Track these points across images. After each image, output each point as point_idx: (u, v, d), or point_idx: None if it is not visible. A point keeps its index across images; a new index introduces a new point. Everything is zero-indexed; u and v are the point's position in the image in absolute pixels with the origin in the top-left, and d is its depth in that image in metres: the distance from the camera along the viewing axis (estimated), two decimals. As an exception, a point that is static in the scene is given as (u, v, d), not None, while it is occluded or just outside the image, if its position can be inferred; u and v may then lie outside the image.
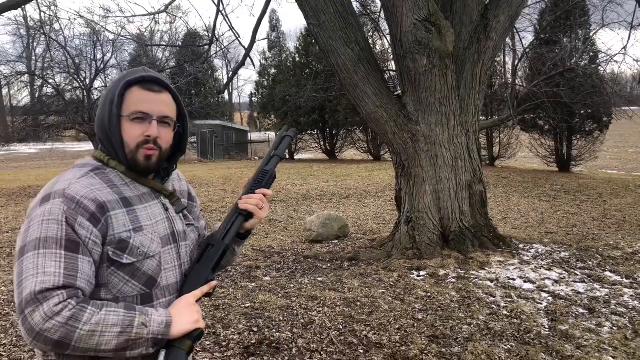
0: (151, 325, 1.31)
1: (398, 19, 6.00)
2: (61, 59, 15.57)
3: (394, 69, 8.34)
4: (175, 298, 1.47)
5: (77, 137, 19.35)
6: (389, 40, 7.56)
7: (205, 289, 1.49)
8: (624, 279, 5.49)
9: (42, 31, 12.90)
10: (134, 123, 1.42)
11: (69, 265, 1.27)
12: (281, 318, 4.43)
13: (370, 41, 17.96)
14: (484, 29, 6.42)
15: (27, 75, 18.42)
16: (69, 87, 17.08)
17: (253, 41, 9.37)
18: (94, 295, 1.35)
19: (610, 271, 5.77)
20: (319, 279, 5.57)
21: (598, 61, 17.26)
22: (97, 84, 17.32)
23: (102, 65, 16.58)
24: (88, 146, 37.46)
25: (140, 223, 1.42)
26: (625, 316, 4.47)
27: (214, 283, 1.53)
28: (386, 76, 12.20)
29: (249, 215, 1.62)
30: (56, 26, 14.36)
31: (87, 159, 1.49)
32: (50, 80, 16.41)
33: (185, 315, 1.40)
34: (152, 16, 10.30)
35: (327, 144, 27.94)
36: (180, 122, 1.55)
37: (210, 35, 9.93)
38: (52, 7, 11.49)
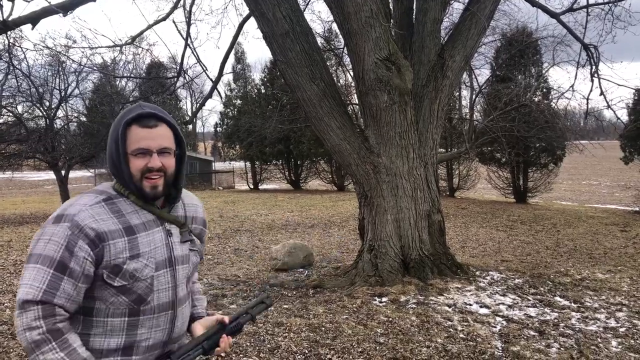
0: None
1: (360, 57, 6.34)
2: (24, 88, 15.42)
3: (357, 102, 8.69)
4: (169, 315, 1.70)
5: (35, 166, 18.98)
6: (352, 75, 7.92)
7: None
8: (572, 304, 5.83)
9: (6, 59, 12.81)
10: (137, 157, 1.62)
11: (52, 283, 1.51)
12: (248, 343, 4.57)
13: (334, 75, 18.44)
14: (441, 68, 6.83)
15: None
16: (31, 116, 16.90)
17: (220, 74, 9.63)
18: (91, 305, 1.60)
19: (560, 296, 6.12)
20: (285, 306, 5.72)
21: (550, 97, 18.14)
22: (60, 113, 17.20)
23: (65, 94, 16.49)
24: (47, 175, 36.72)
25: (139, 250, 1.61)
26: (572, 337, 4.77)
27: None
28: (349, 109, 12.58)
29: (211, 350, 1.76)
30: (20, 55, 14.28)
31: (106, 185, 1.70)
32: (11, 108, 16.21)
33: None
34: (117, 47, 10.44)
35: (292, 174, 28.18)
36: (179, 147, 1.73)
37: (177, 67, 10.13)
38: (18, 38, 11.47)
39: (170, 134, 1.69)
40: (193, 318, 1.90)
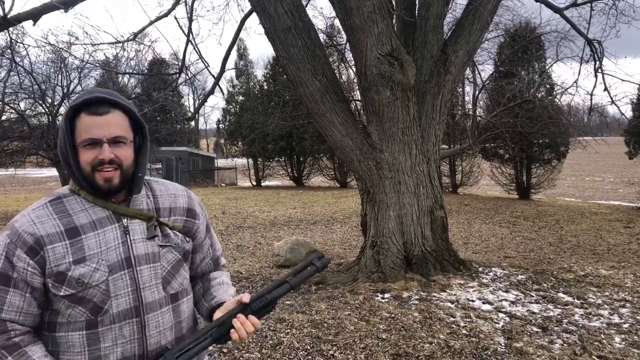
0: None
1: (363, 53, 6.32)
2: (27, 85, 15.44)
3: (359, 98, 8.67)
4: (135, 323, 1.50)
5: (37, 163, 19.03)
6: (354, 70, 7.90)
7: None
8: (575, 300, 5.81)
9: (8, 56, 12.81)
10: (87, 149, 1.45)
11: None
12: (250, 340, 4.56)
13: (337, 71, 18.40)
14: (444, 63, 6.80)
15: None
16: (33, 113, 16.94)
17: (222, 71, 9.58)
18: (54, 319, 1.48)
19: (563, 292, 6.09)
20: (287, 302, 5.71)
21: (554, 93, 18.07)
22: (62, 109, 17.23)
23: (67, 91, 16.51)
24: (50, 172, 36.81)
25: (84, 253, 1.45)
26: (575, 334, 4.76)
27: None
28: (352, 106, 12.55)
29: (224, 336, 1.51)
30: (22, 51, 14.29)
31: (65, 186, 1.58)
32: (14, 105, 16.25)
33: None
34: (119, 44, 10.42)
35: (295, 171, 28.15)
36: (139, 134, 1.56)
37: (179, 64, 10.10)
38: (20, 35, 11.49)
39: (126, 121, 1.51)
40: (213, 308, 1.67)
